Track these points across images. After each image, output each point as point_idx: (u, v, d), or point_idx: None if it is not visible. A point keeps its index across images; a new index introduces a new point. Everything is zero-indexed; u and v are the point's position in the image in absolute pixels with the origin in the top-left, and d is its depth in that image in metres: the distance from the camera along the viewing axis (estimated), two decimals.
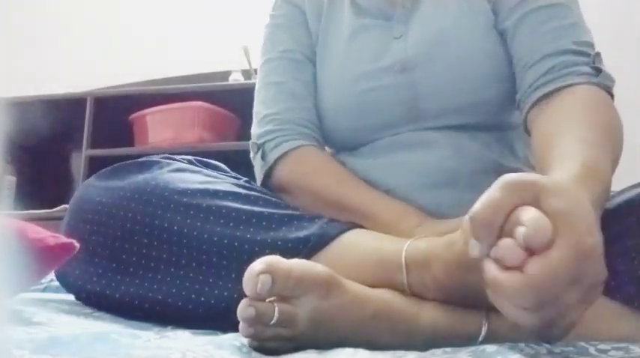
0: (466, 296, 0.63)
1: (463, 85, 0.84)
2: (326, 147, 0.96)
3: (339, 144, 0.94)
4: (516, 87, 0.83)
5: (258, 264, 0.59)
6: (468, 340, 0.62)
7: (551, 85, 0.77)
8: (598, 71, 0.76)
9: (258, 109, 0.94)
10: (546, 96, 0.77)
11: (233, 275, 0.69)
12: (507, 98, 0.85)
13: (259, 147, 0.90)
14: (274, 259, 0.60)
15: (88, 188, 0.81)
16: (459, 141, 0.84)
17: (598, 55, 0.78)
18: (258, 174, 0.92)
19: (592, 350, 0.59)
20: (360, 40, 0.91)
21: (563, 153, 0.64)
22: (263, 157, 0.90)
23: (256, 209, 0.75)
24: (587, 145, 0.64)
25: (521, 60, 0.82)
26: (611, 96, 0.77)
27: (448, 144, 0.84)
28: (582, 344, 0.60)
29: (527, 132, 0.81)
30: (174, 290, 0.72)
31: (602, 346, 0.59)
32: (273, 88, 0.94)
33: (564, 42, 0.79)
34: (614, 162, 0.67)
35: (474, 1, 0.87)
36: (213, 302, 0.71)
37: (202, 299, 0.71)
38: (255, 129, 0.93)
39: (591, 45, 0.80)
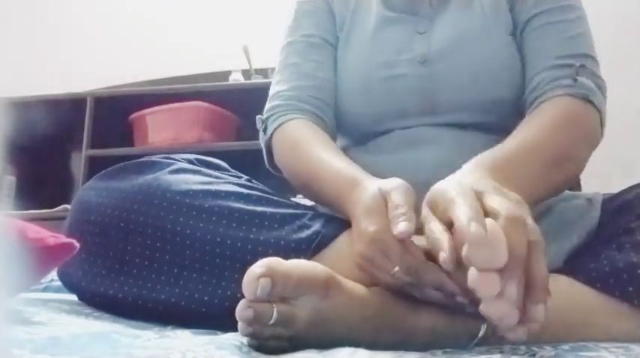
0: None
1: (482, 81, 0.87)
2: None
3: (351, 130, 0.95)
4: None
5: (257, 267, 0.59)
6: (468, 339, 0.62)
7: (539, 99, 0.83)
8: (575, 82, 0.83)
9: (273, 90, 0.97)
10: (535, 108, 0.84)
11: (236, 276, 0.69)
12: (516, 103, 0.89)
13: (263, 122, 0.94)
14: (274, 261, 0.60)
15: (89, 190, 0.82)
16: (463, 139, 0.86)
17: (582, 66, 0.83)
18: (264, 151, 0.94)
19: (591, 345, 0.59)
20: (385, 32, 0.94)
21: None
22: (264, 131, 0.93)
23: (259, 209, 0.75)
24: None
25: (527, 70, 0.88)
26: (590, 102, 0.82)
27: (452, 142, 0.85)
28: (583, 343, 0.60)
29: None
30: (177, 291, 0.73)
31: (602, 344, 0.59)
32: (289, 68, 0.97)
33: (555, 58, 0.85)
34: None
35: (497, 10, 0.92)
36: (216, 301, 0.71)
37: (206, 298, 0.72)
38: (265, 108, 0.96)
39: (583, 55, 0.85)
